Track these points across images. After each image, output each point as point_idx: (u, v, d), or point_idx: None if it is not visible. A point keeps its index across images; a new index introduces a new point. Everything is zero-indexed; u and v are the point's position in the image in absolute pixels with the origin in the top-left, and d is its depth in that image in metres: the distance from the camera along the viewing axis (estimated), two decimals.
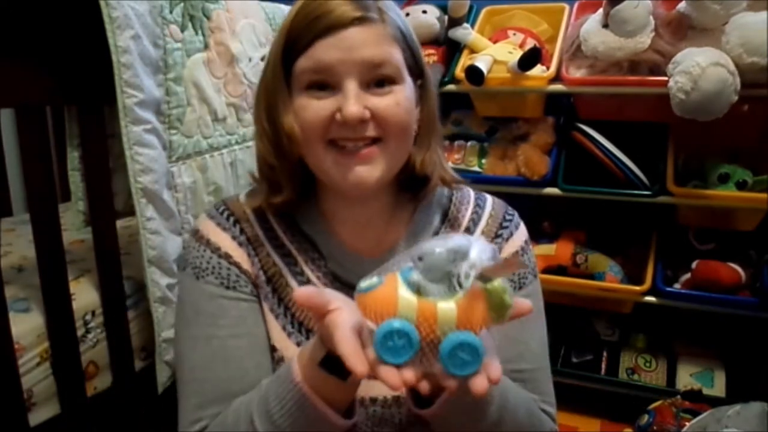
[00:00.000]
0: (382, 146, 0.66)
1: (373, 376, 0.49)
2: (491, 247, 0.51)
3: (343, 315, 0.52)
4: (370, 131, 0.65)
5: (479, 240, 0.51)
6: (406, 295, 0.49)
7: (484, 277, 0.49)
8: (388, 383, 0.48)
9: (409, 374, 0.48)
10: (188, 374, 0.71)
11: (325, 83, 0.65)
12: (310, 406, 0.58)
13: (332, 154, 0.66)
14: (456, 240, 0.50)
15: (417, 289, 0.50)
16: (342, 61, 0.63)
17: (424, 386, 0.49)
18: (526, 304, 0.52)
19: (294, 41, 0.65)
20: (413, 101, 0.69)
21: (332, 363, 0.56)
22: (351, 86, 0.63)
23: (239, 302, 0.72)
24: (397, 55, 0.66)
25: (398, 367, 0.48)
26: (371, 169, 0.66)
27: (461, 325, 0.49)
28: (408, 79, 0.68)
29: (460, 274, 0.49)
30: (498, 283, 0.50)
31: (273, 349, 0.73)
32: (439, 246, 0.50)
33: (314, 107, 0.65)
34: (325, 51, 0.63)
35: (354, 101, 0.63)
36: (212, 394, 0.68)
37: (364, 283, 0.51)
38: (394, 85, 0.66)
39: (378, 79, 0.65)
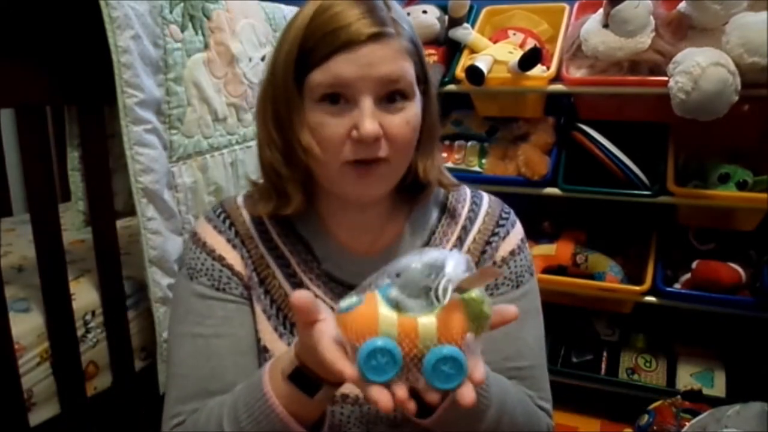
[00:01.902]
0: (387, 166, 0.67)
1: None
2: (465, 258, 0.51)
3: (330, 326, 0.53)
4: (382, 151, 0.65)
5: (453, 253, 0.51)
6: (386, 312, 0.49)
7: (461, 288, 0.50)
8: (379, 404, 0.47)
9: (401, 392, 0.48)
10: (173, 369, 0.73)
11: (340, 97, 0.64)
12: (276, 417, 0.59)
13: (347, 171, 0.66)
14: (431, 254, 0.51)
15: (396, 306, 0.50)
16: (360, 78, 0.63)
17: (412, 406, 0.49)
18: (510, 310, 0.53)
19: (308, 53, 0.64)
20: (420, 115, 0.69)
21: (301, 378, 0.58)
22: (367, 103, 0.63)
23: (227, 303, 0.73)
24: (410, 70, 0.66)
25: (384, 384, 0.48)
26: (377, 187, 0.68)
27: (442, 338, 0.49)
28: (417, 92, 0.68)
29: (438, 289, 0.49)
30: (476, 293, 0.50)
31: (264, 349, 0.74)
32: (414, 261, 0.50)
33: (331, 126, 0.64)
34: (343, 67, 0.63)
35: (370, 119, 0.63)
36: (192, 389, 0.70)
37: (343, 303, 0.51)
38: (406, 100, 0.66)
39: (392, 95, 0.65)
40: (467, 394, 0.48)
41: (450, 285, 0.49)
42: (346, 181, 0.67)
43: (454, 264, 0.50)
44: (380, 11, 0.64)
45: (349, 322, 0.50)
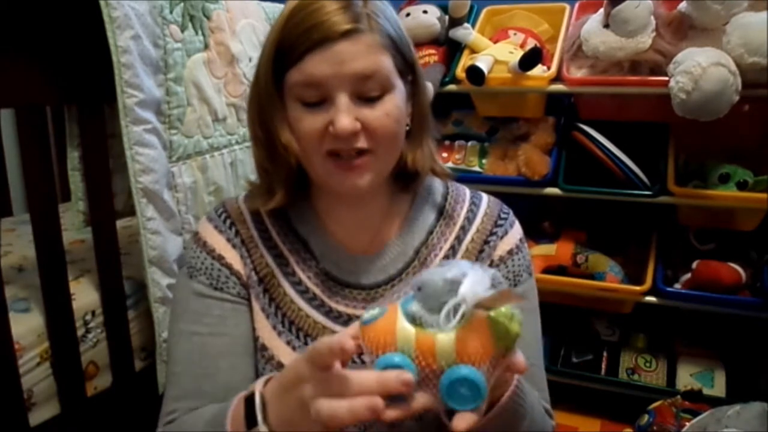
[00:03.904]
0: (372, 156, 0.67)
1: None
2: (490, 274, 0.49)
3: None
4: (361, 143, 0.66)
5: (476, 269, 0.49)
6: (404, 326, 0.49)
7: (485, 306, 0.48)
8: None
9: (394, 412, 0.48)
10: (172, 367, 0.74)
11: (317, 95, 0.65)
12: None
13: (328, 164, 0.67)
14: (455, 269, 0.49)
15: (416, 321, 0.49)
16: (333, 76, 0.64)
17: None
18: (521, 362, 0.51)
19: (285, 53, 0.65)
20: (403, 106, 0.69)
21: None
22: (342, 100, 0.64)
23: (224, 303, 0.74)
24: (386, 64, 0.66)
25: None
26: (363, 178, 0.68)
27: (461, 358, 0.47)
28: (398, 84, 0.68)
29: (450, 308, 0.47)
30: (504, 310, 0.48)
31: (263, 347, 0.74)
32: (437, 275, 0.49)
33: (309, 121, 0.66)
34: (316, 65, 0.64)
35: (345, 115, 0.64)
36: (187, 388, 0.71)
37: (367, 314, 0.51)
38: (384, 94, 0.67)
39: (368, 90, 0.66)
40: (460, 423, 0.48)
41: (463, 305, 0.47)
42: (331, 174, 0.68)
43: (473, 282, 0.48)
44: (354, 8, 0.65)
45: (368, 334, 0.49)
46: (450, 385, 0.47)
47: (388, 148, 0.69)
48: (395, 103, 0.67)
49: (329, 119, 0.65)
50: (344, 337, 0.48)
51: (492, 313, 0.48)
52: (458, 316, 0.47)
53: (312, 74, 0.64)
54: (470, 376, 0.46)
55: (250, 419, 0.56)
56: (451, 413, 0.58)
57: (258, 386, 0.57)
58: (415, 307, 0.49)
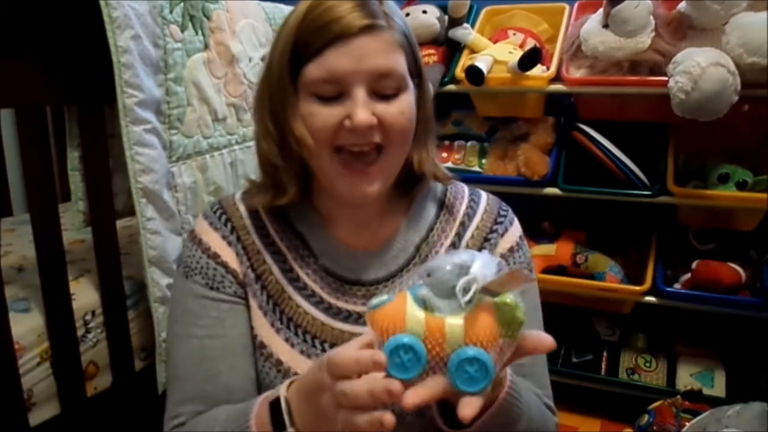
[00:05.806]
0: (384, 157, 0.68)
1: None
2: (496, 261, 0.51)
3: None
4: (376, 138, 0.66)
5: (483, 254, 0.51)
6: (414, 310, 0.50)
7: (493, 292, 0.49)
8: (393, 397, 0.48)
9: (418, 394, 0.48)
10: (172, 370, 0.74)
11: (334, 90, 0.65)
12: None
13: (338, 165, 0.67)
14: (462, 255, 0.51)
15: (426, 305, 0.50)
16: (352, 71, 0.64)
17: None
18: (547, 340, 0.54)
19: (303, 46, 0.66)
20: (414, 107, 0.70)
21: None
22: (360, 94, 0.64)
23: (220, 303, 0.73)
24: (402, 62, 0.67)
25: (408, 382, 0.48)
26: (373, 186, 0.68)
27: (470, 340, 0.48)
28: (411, 85, 0.69)
29: (461, 288, 0.49)
30: (509, 298, 0.50)
31: (262, 345, 0.74)
32: (446, 261, 0.50)
33: (323, 114, 0.66)
34: (336, 60, 0.64)
35: (363, 109, 0.64)
36: (190, 392, 0.71)
37: (375, 300, 0.52)
38: (399, 92, 0.67)
39: (385, 88, 0.66)
40: (466, 411, 0.48)
41: (474, 284, 0.48)
42: (340, 178, 0.68)
43: (481, 264, 0.49)
44: (372, 5, 0.65)
45: (377, 318, 0.50)
46: (459, 365, 0.48)
47: (400, 147, 0.69)
48: (409, 102, 0.68)
49: (345, 113, 0.65)
50: (376, 354, 0.49)
51: (498, 300, 0.49)
52: (470, 294, 0.48)
53: (332, 69, 0.64)
54: (479, 356, 0.48)
55: (277, 423, 0.57)
56: (447, 413, 0.58)
57: (282, 391, 0.59)
58: (424, 292, 0.50)
